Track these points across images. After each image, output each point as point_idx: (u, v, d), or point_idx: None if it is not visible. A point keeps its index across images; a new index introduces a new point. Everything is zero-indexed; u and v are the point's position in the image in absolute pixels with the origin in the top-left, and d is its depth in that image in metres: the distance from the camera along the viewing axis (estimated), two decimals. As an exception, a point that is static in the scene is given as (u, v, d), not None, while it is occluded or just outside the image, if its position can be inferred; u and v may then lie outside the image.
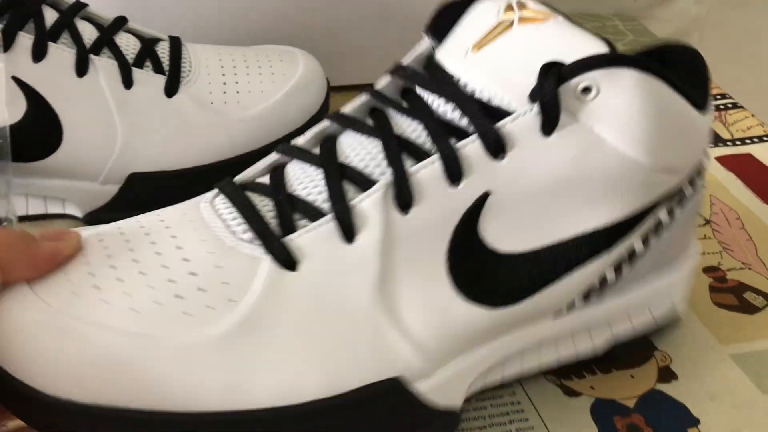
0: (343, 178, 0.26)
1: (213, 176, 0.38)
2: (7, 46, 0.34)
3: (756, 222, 0.42)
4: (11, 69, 0.34)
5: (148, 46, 0.38)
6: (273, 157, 0.29)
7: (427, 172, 0.26)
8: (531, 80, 0.26)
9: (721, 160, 0.47)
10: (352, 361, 0.25)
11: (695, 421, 0.31)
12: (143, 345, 0.23)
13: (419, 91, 0.29)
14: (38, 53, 0.35)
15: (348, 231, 0.25)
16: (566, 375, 0.32)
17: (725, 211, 0.43)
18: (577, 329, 0.31)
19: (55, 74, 0.35)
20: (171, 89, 0.37)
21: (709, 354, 0.34)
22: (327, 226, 0.25)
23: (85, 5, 0.38)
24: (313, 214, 0.26)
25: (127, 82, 0.36)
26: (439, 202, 0.26)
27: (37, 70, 0.35)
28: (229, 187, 0.28)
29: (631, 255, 0.30)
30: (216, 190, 0.28)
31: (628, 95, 0.26)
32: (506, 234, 0.27)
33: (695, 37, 0.72)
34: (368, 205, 0.26)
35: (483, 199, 0.26)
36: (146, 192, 0.37)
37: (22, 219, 0.38)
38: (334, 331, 0.25)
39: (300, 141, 0.29)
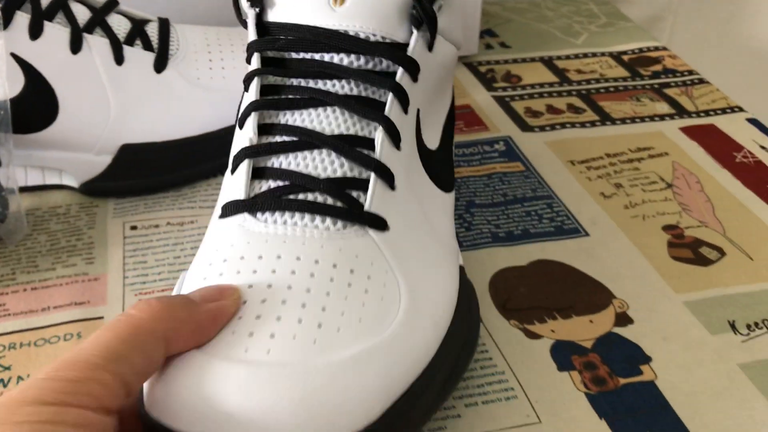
0: (351, 145, 0.29)
1: (199, 146, 0.40)
2: (6, 24, 0.36)
3: (715, 185, 0.44)
4: (10, 46, 0.36)
5: (138, 26, 0.40)
6: (246, 165, 0.29)
7: (395, 111, 0.30)
8: (397, 11, 0.30)
9: (685, 130, 0.50)
10: (452, 270, 0.31)
11: (647, 359, 0.33)
12: (389, 350, 0.25)
13: (301, 55, 0.30)
14: (35, 31, 0.37)
15: (389, 179, 0.29)
16: (529, 320, 0.35)
17: (686, 176, 0.45)
18: None
19: (50, 51, 0.37)
20: (160, 65, 0.40)
21: (664, 302, 0.36)
22: (377, 183, 0.28)
23: (79, -12, 0.40)
24: (356, 183, 0.28)
25: (119, 59, 0.39)
26: (405, 130, 0.30)
27: (34, 47, 0.37)
28: (267, 200, 0.28)
29: None
30: (244, 214, 0.28)
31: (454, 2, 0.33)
32: (429, 136, 0.33)
33: (669, 21, 0.75)
34: (386, 147, 0.29)
35: (418, 114, 0.31)
36: (138, 162, 0.40)
37: (22, 190, 0.40)
38: (428, 257, 0.30)
39: (253, 139, 0.29)
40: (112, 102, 0.39)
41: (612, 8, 0.68)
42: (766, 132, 0.50)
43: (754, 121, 0.51)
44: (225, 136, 0.40)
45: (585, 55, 0.59)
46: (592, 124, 0.50)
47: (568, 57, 0.59)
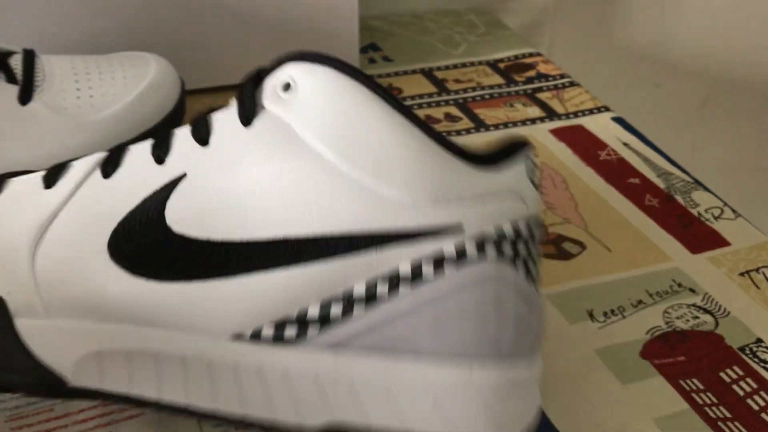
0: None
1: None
2: None
3: (579, 183, 0.47)
4: None
5: (1, 58, 0.40)
6: None
7: (137, 149, 0.29)
8: None
9: (554, 132, 0.53)
10: None
11: (509, 352, 0.35)
12: None
13: None
14: None
15: (50, 181, 0.29)
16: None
17: (553, 176, 0.48)
18: (271, 373, 0.26)
19: None
20: (25, 98, 0.40)
21: (528, 296, 0.38)
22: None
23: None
24: None
25: (-20, 94, 0.39)
26: (140, 175, 0.28)
27: None
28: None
29: (348, 298, 0.26)
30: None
31: (322, 92, 0.26)
32: (189, 216, 0.27)
33: (547, 27, 0.78)
34: (79, 167, 0.29)
35: (180, 179, 0.27)
36: (8, 195, 0.39)
37: None
38: None
39: None
40: (-24, 137, 0.38)
41: (491, 17, 0.71)
42: (629, 129, 0.53)
43: (618, 120, 0.54)
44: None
45: (464, 65, 0.62)
46: (467, 131, 0.52)
47: (447, 67, 0.61)
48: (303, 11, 0.54)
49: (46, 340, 0.27)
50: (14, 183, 0.29)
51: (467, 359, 0.26)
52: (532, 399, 0.28)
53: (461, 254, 0.26)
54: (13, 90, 0.40)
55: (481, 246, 0.26)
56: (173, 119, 0.44)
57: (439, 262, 0.26)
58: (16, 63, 0.41)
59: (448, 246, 0.26)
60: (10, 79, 0.40)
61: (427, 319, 0.26)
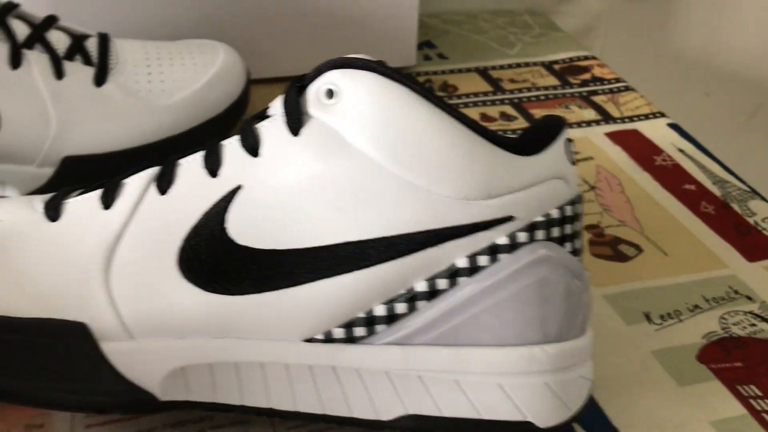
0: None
1: (141, 158, 0.42)
2: (-55, 41, 0.37)
3: (635, 187, 0.47)
4: (-51, 62, 0.37)
5: (77, 41, 0.42)
6: None
7: (189, 162, 0.28)
8: None
9: (610, 135, 0.53)
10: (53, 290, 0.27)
11: (567, 349, 0.35)
12: None
13: None
14: (-26, 48, 0.38)
15: (108, 201, 0.28)
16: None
17: (609, 179, 0.48)
18: (345, 372, 0.28)
19: (-10, 67, 0.38)
20: (100, 79, 0.41)
21: (584, 296, 0.38)
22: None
23: (17, 5, 0.41)
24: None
25: (59, 74, 0.40)
26: (196, 189, 0.28)
27: (-26, 64, 0.38)
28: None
29: (411, 295, 0.27)
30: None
31: (366, 97, 0.27)
32: (250, 228, 0.27)
33: (601, 31, 0.78)
34: (134, 185, 0.28)
35: (235, 191, 0.27)
36: (80, 173, 0.41)
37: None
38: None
39: None
40: (52, 115, 0.40)
41: (545, 19, 0.71)
42: (684, 136, 0.53)
43: (674, 126, 0.54)
44: (165, 146, 0.42)
45: (518, 65, 0.62)
46: (523, 131, 0.53)
47: (502, 67, 0.62)
48: (365, 6, 0.55)
49: (133, 361, 0.28)
50: (71, 205, 0.29)
51: (527, 343, 0.27)
52: (587, 373, 0.29)
53: (514, 244, 0.27)
54: (89, 72, 0.41)
55: (532, 235, 0.27)
56: (239, 107, 0.45)
57: (493, 254, 0.27)
58: (92, 46, 0.42)
59: (501, 238, 0.27)
60: (87, 61, 0.41)
61: (486, 307, 0.27)
